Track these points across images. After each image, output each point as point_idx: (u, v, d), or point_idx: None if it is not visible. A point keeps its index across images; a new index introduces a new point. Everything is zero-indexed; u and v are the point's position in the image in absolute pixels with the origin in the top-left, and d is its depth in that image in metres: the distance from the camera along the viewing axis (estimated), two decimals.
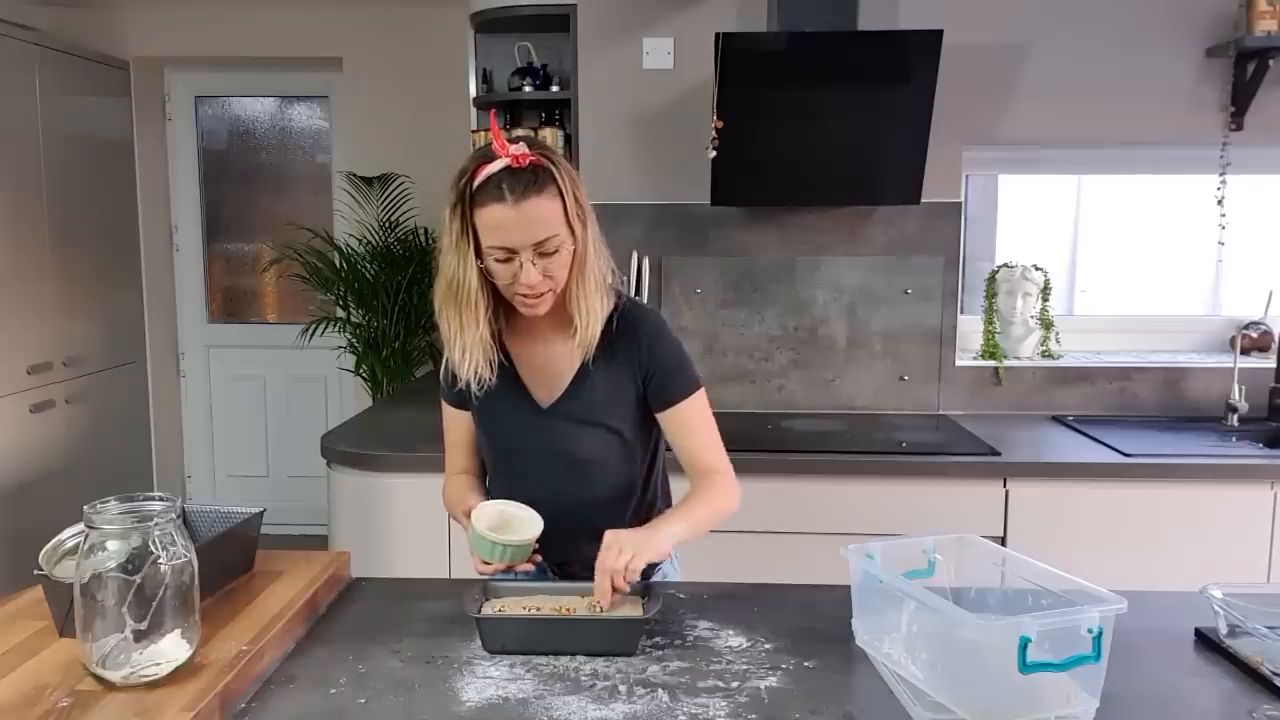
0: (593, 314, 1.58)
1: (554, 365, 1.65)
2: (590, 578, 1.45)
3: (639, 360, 1.64)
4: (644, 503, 1.73)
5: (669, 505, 1.77)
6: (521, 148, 1.48)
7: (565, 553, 1.65)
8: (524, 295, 1.53)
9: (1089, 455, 2.62)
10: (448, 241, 1.54)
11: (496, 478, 1.74)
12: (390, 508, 2.60)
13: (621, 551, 1.42)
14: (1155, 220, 3.47)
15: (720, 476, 1.65)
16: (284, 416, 4.67)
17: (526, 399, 1.65)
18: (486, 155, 1.49)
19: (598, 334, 1.59)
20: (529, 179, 1.47)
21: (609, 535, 1.45)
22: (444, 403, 1.76)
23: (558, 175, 1.50)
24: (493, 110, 1.69)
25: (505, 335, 1.64)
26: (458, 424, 1.76)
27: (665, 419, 1.66)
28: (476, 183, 1.48)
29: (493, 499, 1.65)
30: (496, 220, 1.47)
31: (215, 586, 1.47)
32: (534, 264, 1.49)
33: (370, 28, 4.20)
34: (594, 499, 1.67)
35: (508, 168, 1.47)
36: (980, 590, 1.40)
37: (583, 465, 1.65)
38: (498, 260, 1.50)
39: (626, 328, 1.63)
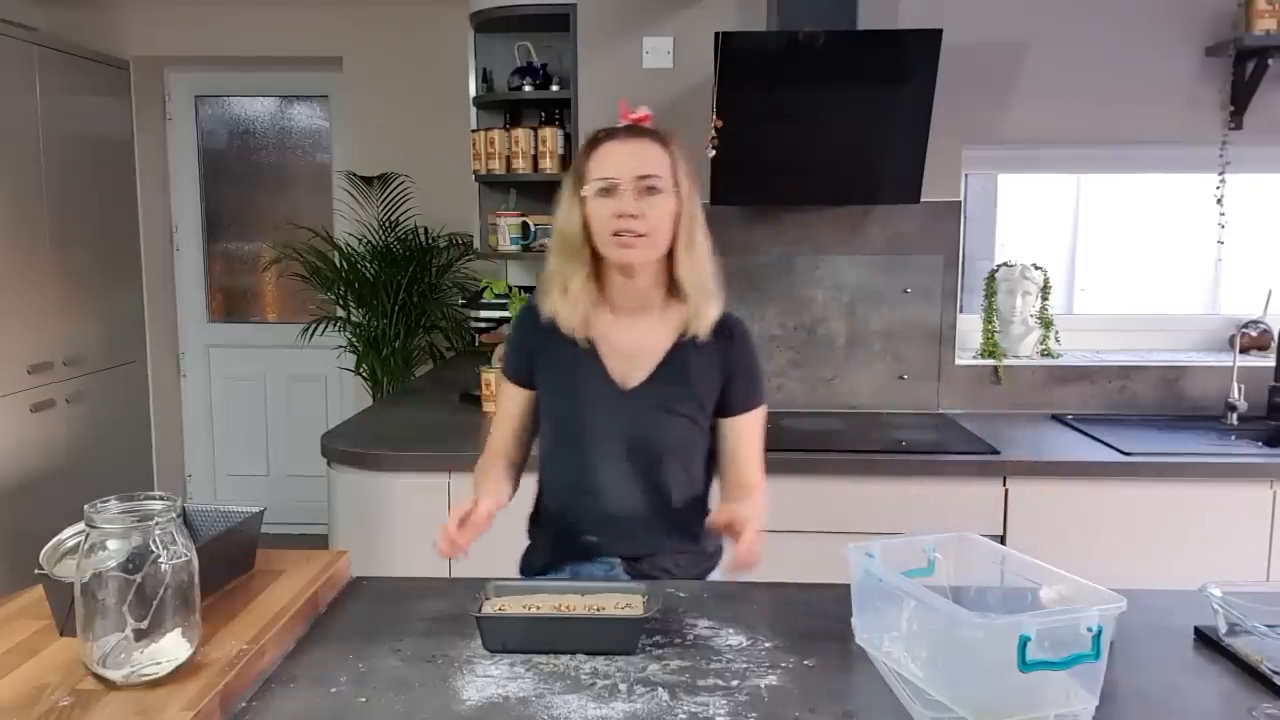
0: (705, 293, 1.63)
1: (643, 343, 1.65)
2: (656, 576, 1.59)
3: (728, 359, 1.66)
4: (704, 503, 1.73)
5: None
6: (645, 110, 1.63)
7: (636, 545, 1.65)
8: (619, 234, 1.55)
9: (1088, 454, 2.62)
10: (562, 202, 1.62)
11: (555, 464, 1.71)
12: (390, 507, 2.60)
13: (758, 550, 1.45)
14: (1155, 219, 3.47)
15: (763, 496, 1.68)
16: (284, 416, 4.68)
17: (606, 380, 1.64)
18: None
19: (711, 316, 1.64)
20: (645, 130, 1.62)
21: (750, 514, 1.48)
22: (504, 378, 1.75)
23: (670, 143, 1.61)
24: (622, 100, 1.79)
25: (596, 313, 1.65)
26: (512, 402, 1.74)
27: (729, 424, 1.68)
28: (598, 135, 1.60)
29: (546, 491, 1.70)
30: (605, 153, 1.58)
31: (216, 585, 1.47)
32: (634, 199, 1.55)
33: (370, 28, 4.20)
34: (663, 491, 1.66)
35: (627, 125, 1.63)
36: (980, 589, 1.40)
37: (657, 454, 1.64)
38: (601, 193, 1.55)
39: (724, 328, 1.67)
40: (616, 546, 1.67)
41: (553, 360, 1.66)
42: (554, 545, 1.72)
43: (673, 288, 1.64)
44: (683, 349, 1.64)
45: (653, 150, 1.58)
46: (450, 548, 1.46)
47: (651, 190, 1.55)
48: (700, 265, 1.63)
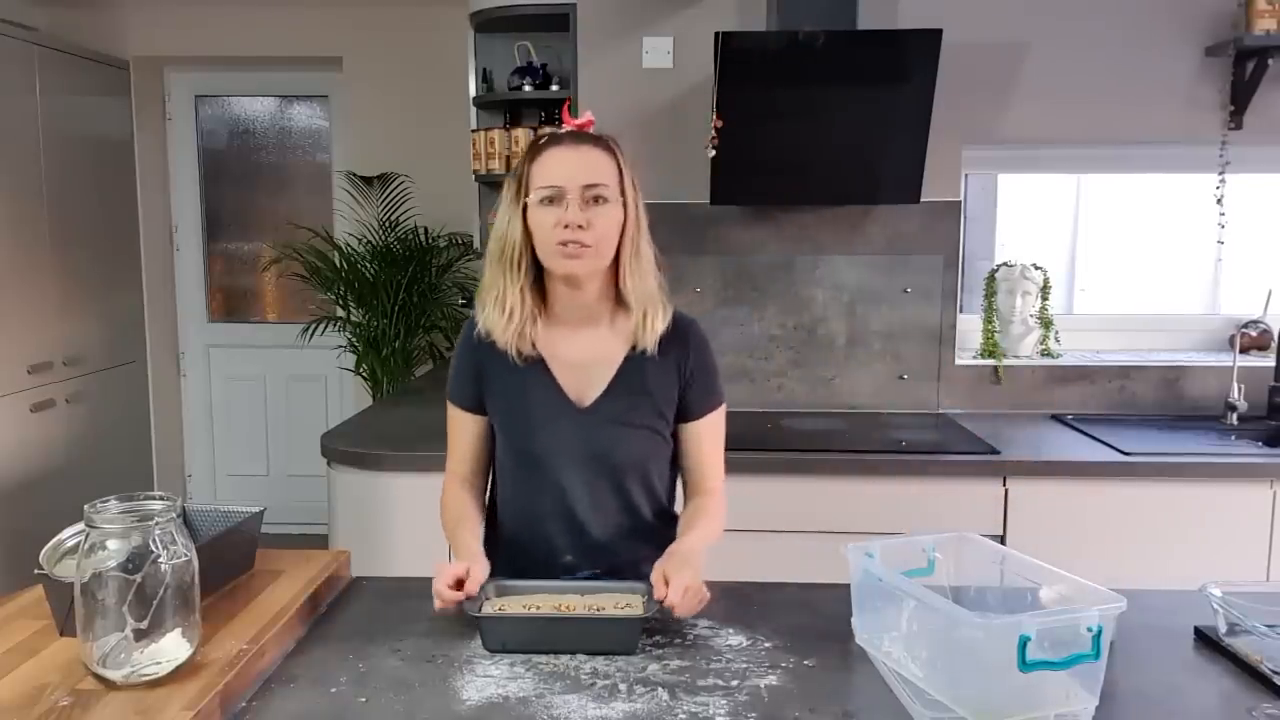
0: (652, 304, 1.58)
1: (595, 356, 1.59)
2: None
3: (685, 365, 1.62)
4: (672, 510, 1.71)
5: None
6: (588, 116, 1.58)
7: (615, 559, 1.62)
8: (565, 243, 1.49)
9: (1088, 454, 2.62)
10: (501, 209, 1.56)
11: (515, 488, 1.65)
12: (390, 507, 2.60)
13: (699, 596, 1.42)
14: (1155, 219, 3.47)
15: (721, 499, 1.67)
16: (284, 416, 4.68)
17: (561, 398, 1.58)
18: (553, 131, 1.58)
19: (659, 329, 1.58)
20: (590, 137, 1.55)
21: (684, 578, 1.40)
22: (451, 405, 1.67)
23: (616, 149, 1.56)
24: (565, 104, 1.84)
25: (542, 327, 1.59)
26: (468, 432, 1.66)
27: (689, 429, 1.65)
28: (540, 141, 1.54)
29: (507, 516, 1.65)
30: (550, 160, 1.52)
31: (216, 585, 1.47)
32: (580, 209, 1.49)
33: (370, 28, 4.20)
34: (631, 504, 1.63)
35: (571, 131, 1.56)
36: (980, 589, 1.40)
37: (621, 470, 1.60)
38: (546, 201, 1.50)
39: (676, 332, 1.62)
40: (596, 563, 1.63)
41: (501, 380, 1.59)
42: (523, 568, 1.62)
43: (620, 298, 1.59)
44: (637, 358, 1.59)
45: (600, 158, 1.52)
46: (453, 604, 1.40)
47: (599, 200, 1.49)
48: (647, 277, 1.57)
